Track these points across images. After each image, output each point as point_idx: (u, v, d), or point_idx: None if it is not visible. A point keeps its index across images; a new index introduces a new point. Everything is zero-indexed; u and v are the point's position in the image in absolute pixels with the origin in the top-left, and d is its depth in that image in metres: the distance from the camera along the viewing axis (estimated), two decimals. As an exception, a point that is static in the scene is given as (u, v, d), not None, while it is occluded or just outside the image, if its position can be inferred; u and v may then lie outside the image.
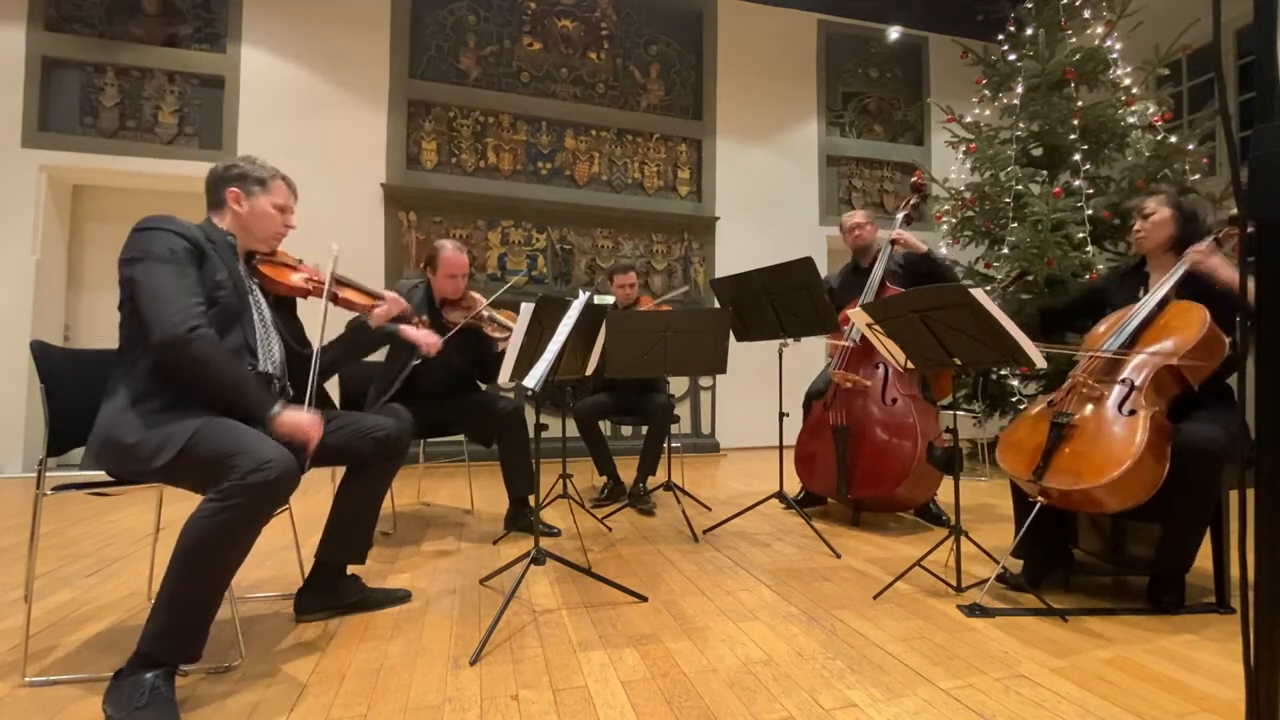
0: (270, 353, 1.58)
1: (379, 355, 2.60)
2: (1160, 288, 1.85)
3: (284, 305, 1.70)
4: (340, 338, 1.81)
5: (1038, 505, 1.76)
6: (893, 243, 2.81)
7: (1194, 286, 1.83)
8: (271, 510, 1.30)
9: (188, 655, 1.24)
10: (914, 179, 3.03)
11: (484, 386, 2.79)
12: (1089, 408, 1.79)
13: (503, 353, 2.60)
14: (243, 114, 4.62)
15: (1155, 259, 1.99)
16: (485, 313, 2.52)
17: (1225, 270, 1.75)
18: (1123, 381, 1.77)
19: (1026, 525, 1.80)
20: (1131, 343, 1.82)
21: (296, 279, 1.67)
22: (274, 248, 1.67)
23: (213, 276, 1.44)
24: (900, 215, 2.95)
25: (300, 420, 1.43)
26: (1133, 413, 1.70)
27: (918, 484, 2.58)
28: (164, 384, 1.35)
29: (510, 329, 2.53)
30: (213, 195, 1.57)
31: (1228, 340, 1.74)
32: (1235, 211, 1.86)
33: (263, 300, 1.61)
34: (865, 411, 2.71)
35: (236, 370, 1.39)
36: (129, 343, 1.39)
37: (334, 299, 1.73)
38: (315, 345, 1.66)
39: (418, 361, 2.47)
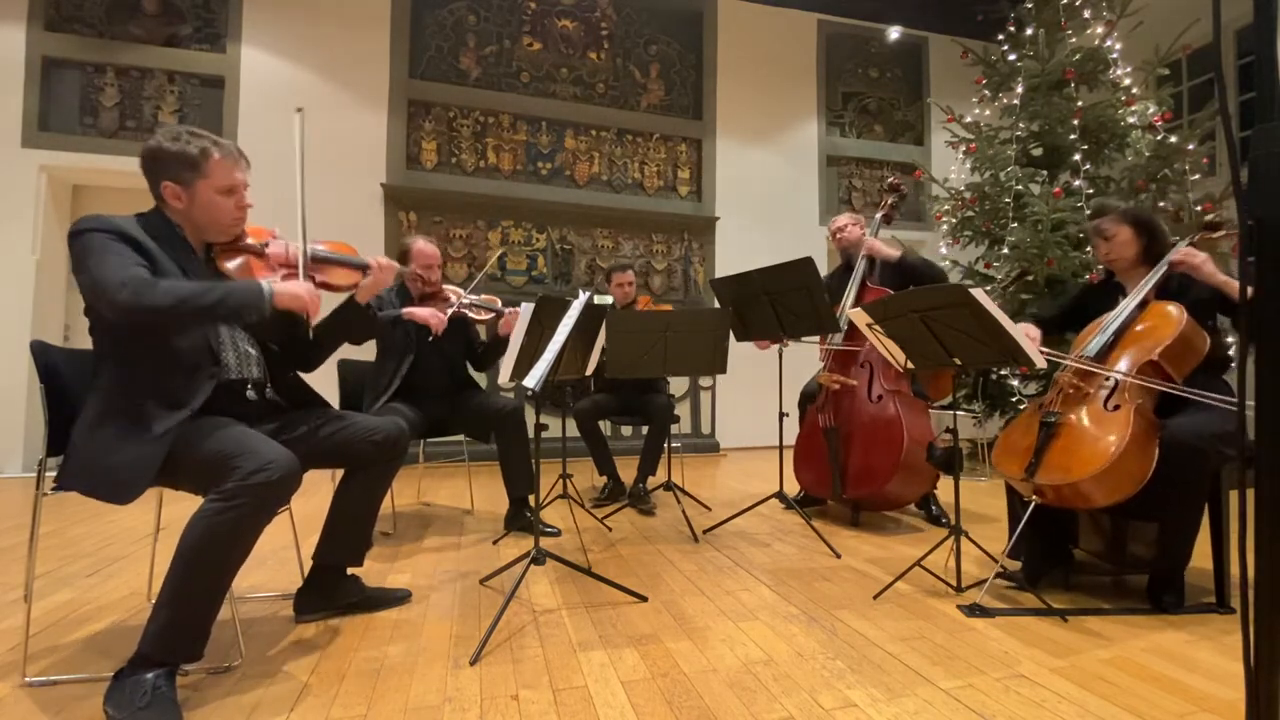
0: (241, 355, 1.51)
1: (371, 355, 2.61)
2: (1140, 290, 1.91)
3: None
4: (330, 316, 1.69)
5: (1031, 505, 1.78)
6: (866, 255, 2.85)
7: (1172, 287, 1.91)
8: (275, 510, 1.30)
9: (189, 655, 1.24)
10: (890, 180, 3.04)
11: (479, 377, 2.81)
12: (1076, 407, 1.83)
13: (495, 340, 2.65)
14: (243, 114, 4.62)
15: (1126, 273, 2.04)
16: (467, 299, 2.55)
17: (1209, 267, 1.80)
18: (1107, 379, 1.81)
19: (1021, 525, 1.83)
20: (1114, 343, 1.87)
21: (263, 272, 1.48)
22: (234, 235, 1.48)
23: (161, 274, 1.32)
24: (878, 216, 3.00)
25: (296, 289, 1.37)
26: (1117, 408, 1.74)
27: (909, 479, 2.58)
28: (126, 399, 1.32)
29: (494, 309, 2.57)
30: (151, 186, 1.40)
31: (1208, 337, 1.79)
32: (1209, 218, 1.95)
33: None
34: (852, 411, 2.72)
35: (195, 289, 1.27)
36: (97, 350, 1.38)
37: (312, 283, 1.53)
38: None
39: (410, 363, 2.50)
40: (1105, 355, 1.86)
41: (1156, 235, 1.97)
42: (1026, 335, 1.92)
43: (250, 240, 1.53)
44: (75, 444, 1.32)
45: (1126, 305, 1.91)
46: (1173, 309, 1.81)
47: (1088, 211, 4.00)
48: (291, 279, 1.52)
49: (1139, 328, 1.85)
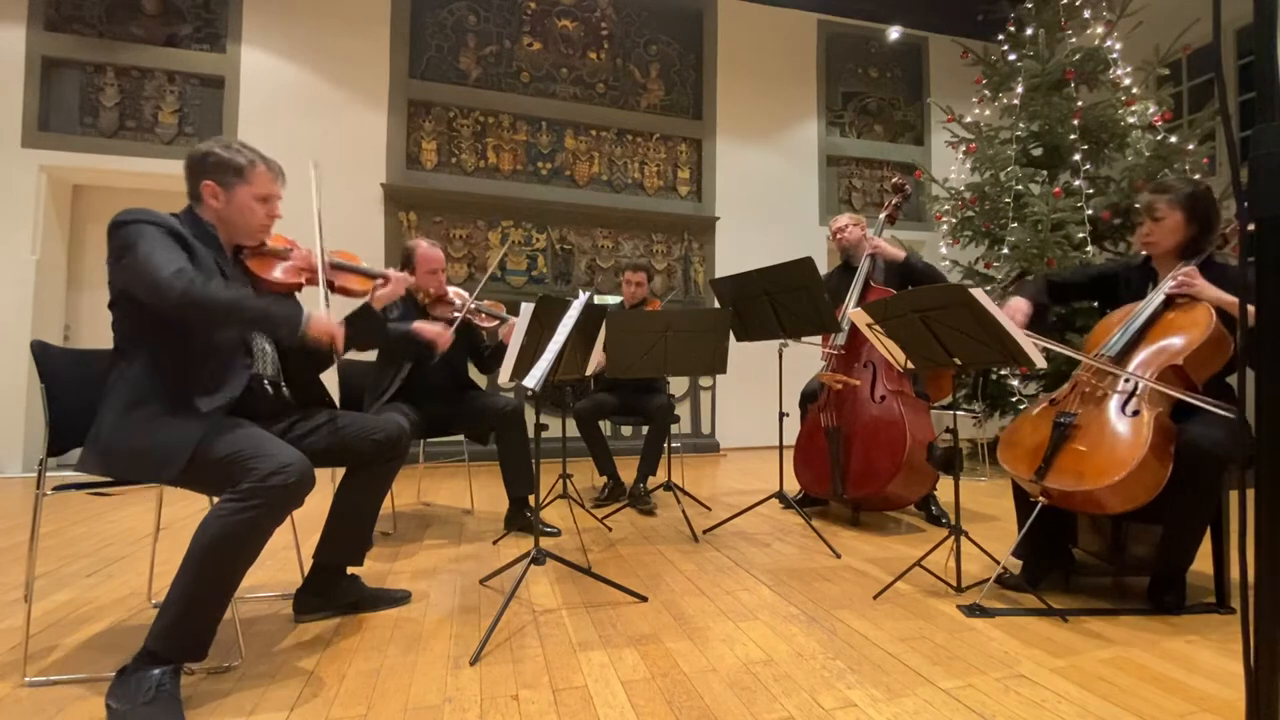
0: (259, 353, 1.55)
1: (373, 355, 2.61)
2: (1163, 287, 1.83)
3: (283, 299, 1.62)
4: (345, 320, 1.70)
5: (1038, 505, 1.75)
6: (870, 255, 2.84)
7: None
8: (288, 513, 1.31)
9: (194, 654, 1.24)
10: (895, 180, 3.04)
11: (484, 380, 2.81)
12: (1092, 408, 1.77)
13: (500, 345, 2.66)
14: (243, 114, 4.62)
15: (1161, 261, 1.94)
16: (473, 304, 2.55)
17: (1210, 291, 1.74)
18: (1126, 381, 1.75)
19: (1027, 525, 1.80)
20: (1137, 340, 1.80)
21: (287, 274, 1.57)
22: (261, 240, 1.56)
23: (199, 266, 1.38)
24: (882, 216, 3.00)
25: (328, 325, 1.45)
26: (1136, 413, 1.68)
27: (911, 480, 2.58)
28: (161, 385, 1.34)
29: (499, 316, 2.56)
30: (191, 185, 1.47)
31: (1232, 340, 1.72)
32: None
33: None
34: (854, 411, 2.72)
35: (243, 295, 1.36)
36: (124, 342, 1.38)
37: (331, 287, 1.63)
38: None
39: (411, 364, 2.50)
40: (1127, 354, 1.78)
41: (1208, 229, 1.84)
42: (1017, 311, 1.90)
43: (274, 246, 1.60)
44: (104, 430, 1.33)
45: (1152, 300, 1.82)
46: (1201, 309, 1.72)
47: (1089, 211, 4.01)
48: (313, 284, 1.59)
49: (1165, 326, 1.77)
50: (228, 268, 1.49)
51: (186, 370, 1.37)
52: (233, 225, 1.50)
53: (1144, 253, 2.01)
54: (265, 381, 1.56)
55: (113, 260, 1.33)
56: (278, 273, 1.58)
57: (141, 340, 1.37)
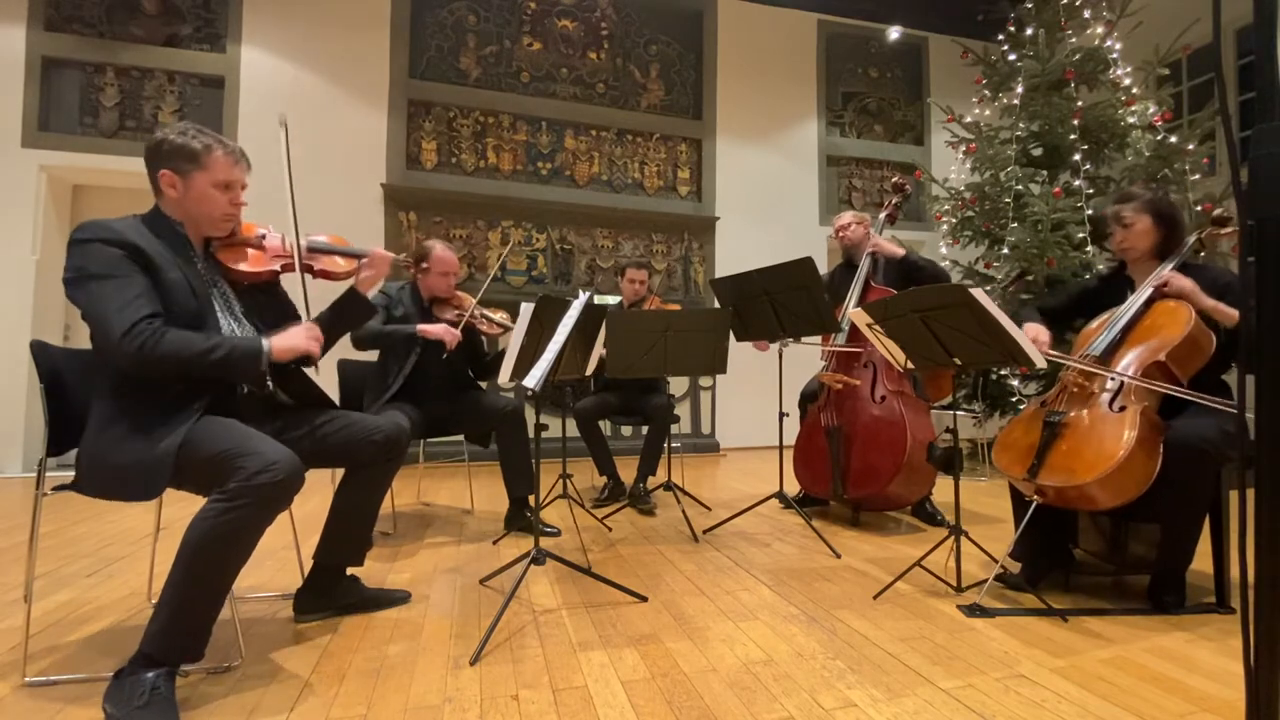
0: None
1: (373, 354, 2.61)
2: (1146, 287, 1.87)
3: (263, 289, 1.58)
4: (331, 307, 1.68)
5: (1033, 504, 1.77)
6: (870, 253, 2.84)
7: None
8: (277, 511, 1.30)
9: (189, 655, 1.24)
10: (895, 179, 3.04)
11: (484, 385, 2.82)
12: (1080, 407, 1.81)
13: (501, 351, 2.67)
14: (243, 114, 4.62)
15: (1137, 265, 2.00)
16: (478, 311, 2.56)
17: (1198, 297, 1.77)
18: (1112, 380, 1.78)
19: (1023, 524, 1.81)
20: (1120, 341, 1.84)
21: (261, 263, 1.52)
22: (228, 230, 1.49)
23: (163, 279, 1.34)
24: (882, 216, 3.00)
25: (294, 341, 1.41)
26: (1123, 409, 1.72)
27: (911, 480, 2.58)
28: (131, 399, 1.32)
29: (502, 325, 2.58)
30: (151, 177, 1.41)
31: (1214, 336, 1.75)
32: (1218, 213, 1.89)
33: (230, 293, 1.52)
34: (855, 411, 2.72)
35: (201, 348, 1.30)
36: (97, 353, 1.37)
37: (310, 272, 1.57)
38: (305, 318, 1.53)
39: (417, 355, 2.50)
40: (1111, 354, 1.82)
41: (1176, 230, 1.91)
42: (1036, 339, 1.89)
43: (246, 234, 1.55)
44: (86, 449, 1.32)
45: (1134, 302, 1.87)
46: (1181, 309, 1.77)
47: (1089, 211, 4.00)
48: (289, 270, 1.56)
49: (1146, 327, 1.81)
50: (193, 274, 1.41)
51: (157, 383, 1.33)
52: (194, 216, 1.44)
53: (1119, 260, 2.07)
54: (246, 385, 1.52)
55: (68, 279, 1.29)
56: (250, 262, 1.52)
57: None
